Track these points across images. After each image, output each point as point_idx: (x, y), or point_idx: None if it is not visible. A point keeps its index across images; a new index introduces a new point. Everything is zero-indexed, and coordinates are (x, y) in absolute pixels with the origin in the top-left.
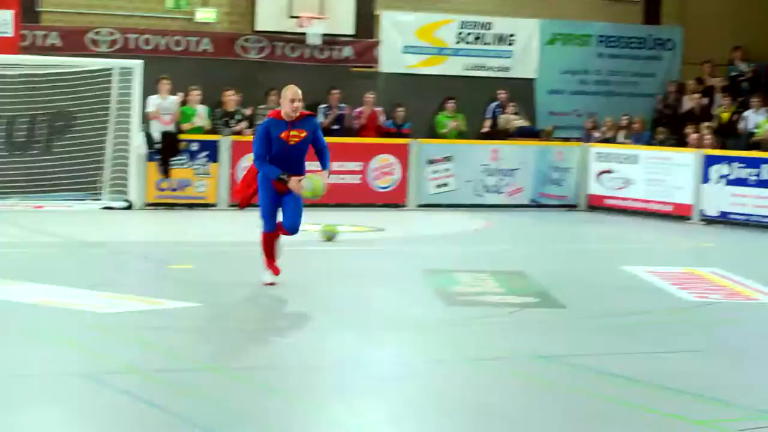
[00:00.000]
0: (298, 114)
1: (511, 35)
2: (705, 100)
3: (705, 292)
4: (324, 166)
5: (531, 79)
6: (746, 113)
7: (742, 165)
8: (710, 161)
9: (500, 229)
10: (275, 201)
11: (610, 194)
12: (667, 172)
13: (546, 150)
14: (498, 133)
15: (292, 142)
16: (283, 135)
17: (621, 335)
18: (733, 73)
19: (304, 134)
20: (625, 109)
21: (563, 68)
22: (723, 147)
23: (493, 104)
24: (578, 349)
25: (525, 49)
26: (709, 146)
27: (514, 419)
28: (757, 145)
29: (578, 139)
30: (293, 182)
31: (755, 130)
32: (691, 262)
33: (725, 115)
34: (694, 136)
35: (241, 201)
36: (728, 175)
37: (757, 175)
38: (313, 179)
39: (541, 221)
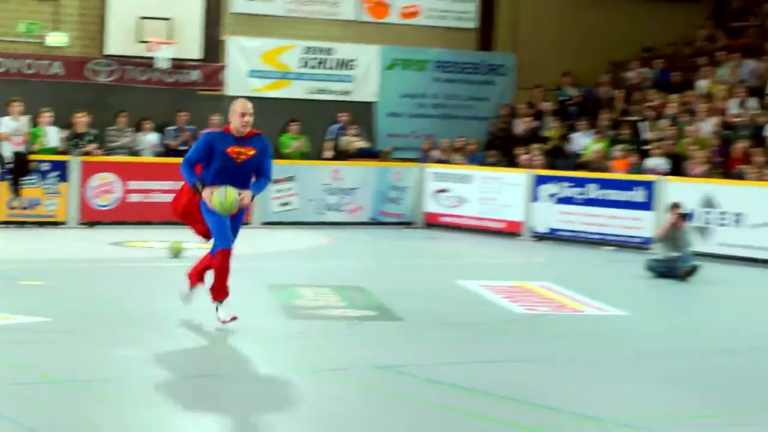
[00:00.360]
0: (248, 130)
1: (352, 60)
2: (536, 123)
3: (534, 304)
4: (254, 188)
5: (371, 103)
6: (574, 135)
7: (570, 184)
8: (540, 181)
9: (341, 246)
10: (223, 218)
11: (445, 212)
12: (500, 191)
13: (385, 170)
14: (339, 154)
15: (240, 160)
16: (229, 150)
17: (457, 346)
18: (562, 98)
19: (252, 152)
20: (461, 131)
21: (402, 92)
22: (552, 167)
23: (335, 126)
24: (416, 359)
25: (365, 73)
26: (539, 167)
27: (358, 429)
28: (584, 166)
29: (416, 160)
30: (206, 192)
31: (582, 152)
32: (521, 277)
33: (555, 138)
34: (525, 157)
35: (177, 211)
36: (557, 194)
37: (584, 194)
38: (226, 191)
39: (381, 238)
